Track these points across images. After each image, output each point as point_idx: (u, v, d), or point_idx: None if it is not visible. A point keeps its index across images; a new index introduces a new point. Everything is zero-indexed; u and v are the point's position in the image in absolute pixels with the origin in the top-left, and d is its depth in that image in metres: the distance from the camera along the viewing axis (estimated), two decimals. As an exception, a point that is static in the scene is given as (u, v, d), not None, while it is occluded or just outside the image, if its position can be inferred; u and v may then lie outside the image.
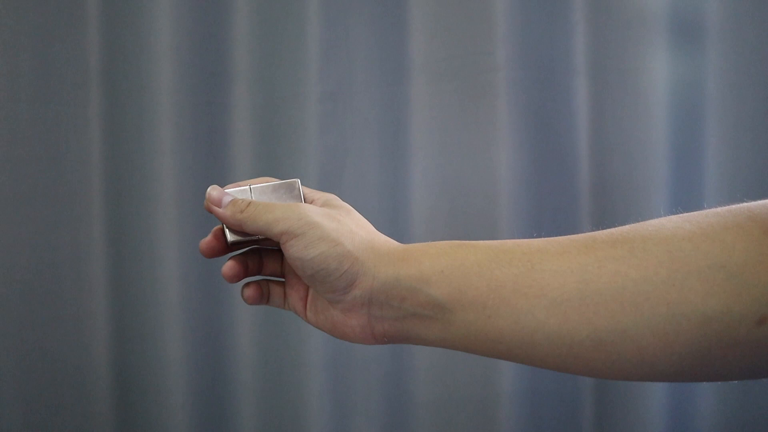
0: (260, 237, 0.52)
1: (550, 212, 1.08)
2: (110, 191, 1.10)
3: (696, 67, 1.09)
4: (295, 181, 0.55)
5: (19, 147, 1.08)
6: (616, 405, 1.10)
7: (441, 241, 0.50)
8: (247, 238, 0.53)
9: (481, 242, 0.49)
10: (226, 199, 0.52)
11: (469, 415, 1.11)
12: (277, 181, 0.55)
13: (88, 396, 1.11)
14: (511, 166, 1.08)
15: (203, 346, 1.11)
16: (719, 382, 1.10)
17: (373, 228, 0.53)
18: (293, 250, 0.49)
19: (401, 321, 0.49)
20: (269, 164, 1.10)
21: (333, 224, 0.50)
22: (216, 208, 0.52)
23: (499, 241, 0.49)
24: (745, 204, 0.44)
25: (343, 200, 0.55)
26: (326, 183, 1.09)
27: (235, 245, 0.54)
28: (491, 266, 0.46)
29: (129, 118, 1.09)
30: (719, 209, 0.45)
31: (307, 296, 0.54)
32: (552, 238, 0.48)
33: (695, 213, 0.45)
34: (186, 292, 1.09)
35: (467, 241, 0.49)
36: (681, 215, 0.46)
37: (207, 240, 0.54)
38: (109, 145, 1.10)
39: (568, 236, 0.47)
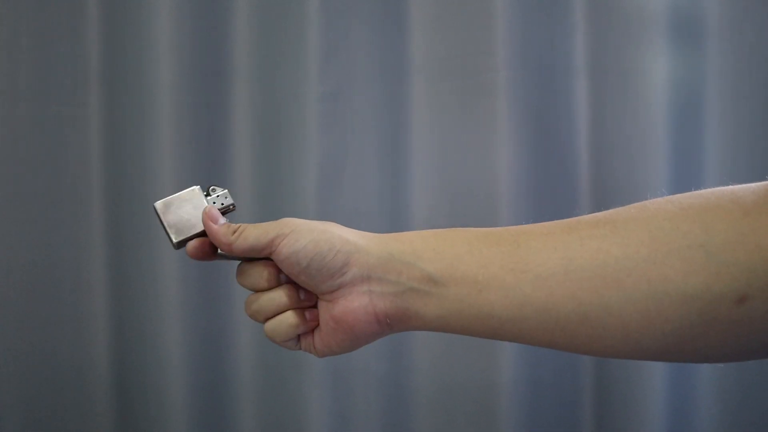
0: None
1: (550, 212, 1.08)
2: (110, 191, 1.10)
3: (696, 67, 1.09)
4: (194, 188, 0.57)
5: (19, 147, 1.08)
6: (615, 397, 1.10)
7: (431, 230, 0.52)
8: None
9: (470, 228, 0.51)
10: (222, 220, 0.54)
11: (469, 414, 1.11)
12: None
13: (88, 396, 1.11)
14: (511, 166, 1.08)
15: (203, 346, 1.11)
16: (718, 380, 1.10)
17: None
18: (285, 248, 0.50)
19: (400, 297, 0.50)
20: (269, 164, 1.10)
21: (317, 222, 0.52)
22: (211, 224, 0.54)
23: (488, 228, 0.51)
24: (729, 186, 0.46)
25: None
26: (326, 183, 1.09)
27: (222, 257, 0.55)
28: (480, 246, 0.49)
29: (129, 118, 1.09)
30: (703, 191, 0.46)
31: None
32: (539, 223, 0.50)
33: (679, 195, 0.46)
34: (186, 292, 1.09)
35: (458, 227, 0.52)
36: (665, 197, 0.47)
37: (194, 250, 0.55)
38: (109, 145, 1.10)
39: (555, 220, 0.49)
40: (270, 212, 1.09)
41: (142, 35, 1.07)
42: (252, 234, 0.52)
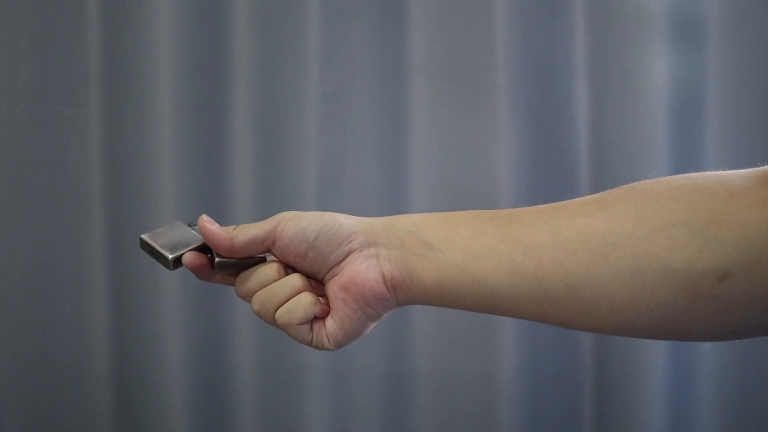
0: (245, 259, 0.54)
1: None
2: (110, 191, 1.10)
3: (696, 67, 1.09)
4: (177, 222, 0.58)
5: (19, 147, 1.08)
6: (615, 394, 1.10)
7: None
8: (233, 260, 0.54)
9: (467, 210, 0.55)
10: (218, 225, 0.55)
11: (470, 413, 1.11)
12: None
13: (88, 396, 1.11)
14: (511, 166, 1.08)
15: (203, 346, 1.11)
16: (718, 380, 1.10)
17: None
18: (291, 228, 0.52)
19: (404, 260, 0.52)
20: (269, 164, 1.10)
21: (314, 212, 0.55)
22: (209, 225, 0.54)
23: (483, 210, 0.54)
24: (719, 171, 0.47)
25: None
26: (326, 183, 1.09)
27: (221, 267, 0.55)
28: (475, 221, 0.52)
29: (129, 118, 1.09)
30: (692, 174, 0.48)
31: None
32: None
33: (668, 177, 0.48)
34: (186, 292, 1.09)
35: (455, 211, 0.55)
36: (655, 179, 0.49)
37: (192, 258, 0.55)
38: (109, 145, 1.10)
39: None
40: (270, 212, 1.07)
41: (142, 35, 1.07)
42: (252, 226, 0.53)
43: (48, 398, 1.11)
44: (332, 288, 0.54)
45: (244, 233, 0.53)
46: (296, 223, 0.53)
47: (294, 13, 1.08)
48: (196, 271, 0.55)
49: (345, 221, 0.53)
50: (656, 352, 1.08)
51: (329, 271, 0.53)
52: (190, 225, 0.57)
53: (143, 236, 0.55)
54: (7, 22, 1.07)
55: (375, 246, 0.53)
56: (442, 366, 1.11)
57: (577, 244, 0.47)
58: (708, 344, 1.11)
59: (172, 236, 0.56)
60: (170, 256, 0.54)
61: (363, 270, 0.52)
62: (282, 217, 0.53)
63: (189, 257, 0.54)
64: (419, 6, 1.09)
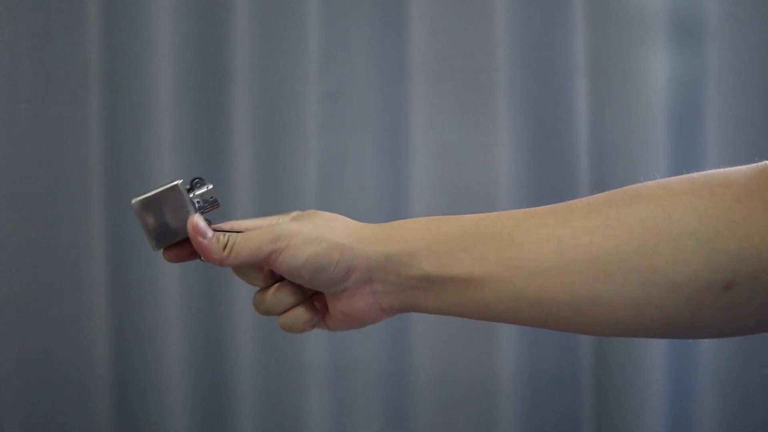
0: None
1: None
2: (110, 192, 1.10)
3: (696, 67, 1.09)
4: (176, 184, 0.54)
5: (19, 147, 1.08)
6: (615, 396, 1.10)
7: (423, 218, 0.53)
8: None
9: (463, 216, 0.51)
10: (209, 234, 0.52)
11: (469, 413, 1.11)
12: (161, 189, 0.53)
13: (88, 395, 1.11)
14: (511, 166, 1.08)
15: (203, 346, 1.11)
16: (718, 380, 1.10)
17: (347, 218, 0.54)
18: (285, 263, 0.50)
19: (402, 293, 0.51)
20: (269, 164, 1.10)
21: (309, 226, 0.51)
22: (200, 239, 0.52)
23: (481, 215, 0.51)
24: (722, 170, 0.46)
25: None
26: (326, 183, 1.09)
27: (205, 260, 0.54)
28: (474, 241, 0.49)
29: (129, 118, 1.09)
30: (695, 174, 0.46)
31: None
32: (532, 209, 0.50)
33: (672, 178, 0.47)
34: (186, 292, 1.09)
35: (449, 216, 0.52)
36: (658, 180, 0.48)
37: (175, 252, 0.55)
38: (109, 145, 1.10)
39: (548, 206, 0.49)
40: (270, 212, 1.08)
41: (142, 35, 1.07)
42: (244, 249, 0.51)
43: (48, 398, 1.11)
44: (331, 304, 0.54)
45: (235, 257, 0.51)
46: (289, 261, 0.50)
47: (294, 13, 1.08)
48: (181, 262, 0.55)
49: (341, 256, 0.50)
50: (656, 353, 1.08)
51: (326, 293, 0.54)
52: (190, 187, 0.54)
53: (134, 203, 0.52)
54: (7, 22, 1.07)
55: (371, 283, 0.51)
56: (442, 366, 1.11)
57: (583, 265, 0.45)
58: (707, 344, 1.11)
59: (164, 211, 0.52)
60: (156, 248, 0.53)
61: (361, 307, 0.52)
62: (275, 247, 0.50)
63: (170, 255, 0.54)
64: (419, 6, 1.09)
